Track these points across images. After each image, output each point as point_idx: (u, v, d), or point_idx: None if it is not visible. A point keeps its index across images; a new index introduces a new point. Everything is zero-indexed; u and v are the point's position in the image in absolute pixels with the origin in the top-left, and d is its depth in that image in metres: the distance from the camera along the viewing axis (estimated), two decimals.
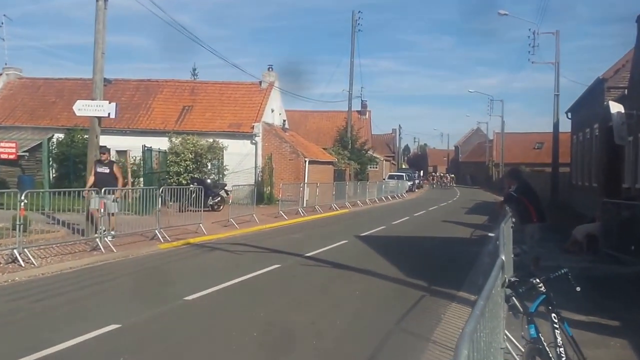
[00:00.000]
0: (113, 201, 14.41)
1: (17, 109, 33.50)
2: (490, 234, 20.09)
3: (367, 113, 64.58)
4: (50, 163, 27.09)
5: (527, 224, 11.08)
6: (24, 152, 27.67)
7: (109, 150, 16.90)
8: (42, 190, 17.02)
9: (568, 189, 34.27)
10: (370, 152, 53.54)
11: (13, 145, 25.19)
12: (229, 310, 9.07)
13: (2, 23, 36.13)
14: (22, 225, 11.73)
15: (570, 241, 15.34)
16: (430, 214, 30.40)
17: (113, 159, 18.34)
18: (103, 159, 15.09)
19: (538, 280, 4.83)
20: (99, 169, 14.92)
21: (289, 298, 10.11)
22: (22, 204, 11.80)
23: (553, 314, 4.80)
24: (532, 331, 4.70)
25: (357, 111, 57.87)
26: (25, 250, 11.71)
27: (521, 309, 4.70)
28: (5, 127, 31.80)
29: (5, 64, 36.13)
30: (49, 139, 28.06)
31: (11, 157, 24.96)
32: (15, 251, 11.52)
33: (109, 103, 15.42)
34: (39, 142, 27.55)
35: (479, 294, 9.83)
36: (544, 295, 4.83)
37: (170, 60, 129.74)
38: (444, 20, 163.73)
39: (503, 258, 4.53)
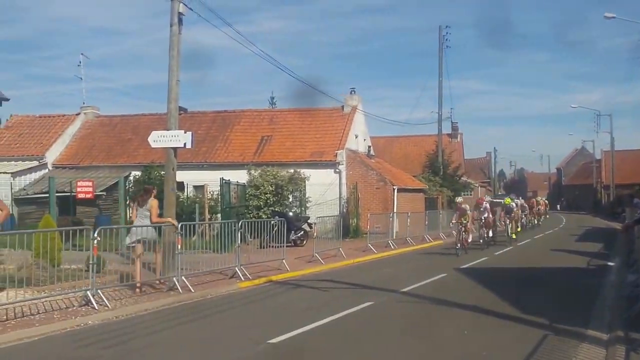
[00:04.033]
0: None
1: (95, 147, 34.54)
2: (610, 263, 18.84)
3: (459, 136, 63.27)
4: (127, 202, 27.50)
5: None
6: (101, 191, 28.29)
7: None
8: (115, 226, 17.12)
9: None
10: (463, 178, 52.16)
11: (90, 184, 25.77)
12: (319, 355, 8.48)
13: (80, 63, 37.82)
14: (95, 265, 11.60)
15: None
16: (536, 242, 28.99)
17: None
18: None
19: None
20: None
21: (387, 339, 9.39)
22: (95, 242, 11.65)
23: None
24: None
25: (447, 134, 56.59)
26: (99, 291, 11.59)
27: None
28: (83, 167, 32.92)
29: (83, 103, 37.56)
30: (126, 177, 28.51)
31: (88, 196, 25.55)
32: (88, 293, 11.38)
33: (185, 132, 15.30)
34: (115, 180, 28.02)
35: (610, 332, 8.80)
36: None
37: (248, 93, 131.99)
38: (535, 33, 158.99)
39: None
